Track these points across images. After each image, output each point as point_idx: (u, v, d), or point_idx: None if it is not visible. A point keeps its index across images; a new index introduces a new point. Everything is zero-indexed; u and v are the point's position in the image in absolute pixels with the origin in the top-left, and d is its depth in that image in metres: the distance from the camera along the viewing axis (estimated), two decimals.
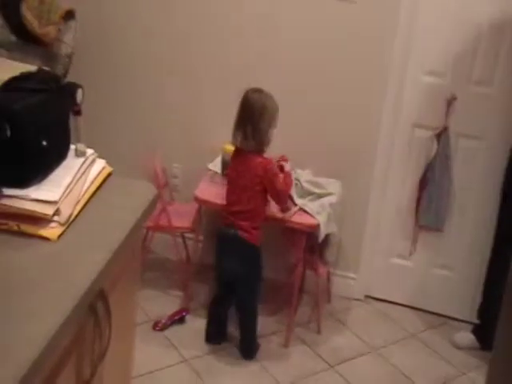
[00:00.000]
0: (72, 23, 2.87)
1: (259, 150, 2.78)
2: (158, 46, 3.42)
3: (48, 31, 2.72)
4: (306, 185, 3.14)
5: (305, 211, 3.00)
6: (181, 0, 3.36)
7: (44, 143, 1.39)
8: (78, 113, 2.60)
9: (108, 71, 3.48)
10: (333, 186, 3.22)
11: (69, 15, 2.87)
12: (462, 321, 3.44)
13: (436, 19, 3.17)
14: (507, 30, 3.11)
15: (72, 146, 1.60)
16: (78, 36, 2.98)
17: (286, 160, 3.03)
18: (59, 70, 2.71)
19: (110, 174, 1.66)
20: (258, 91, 2.76)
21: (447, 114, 3.24)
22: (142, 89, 3.50)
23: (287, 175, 2.90)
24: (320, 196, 3.10)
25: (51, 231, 1.38)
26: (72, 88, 1.95)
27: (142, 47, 3.44)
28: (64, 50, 2.84)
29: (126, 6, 3.40)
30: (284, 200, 2.88)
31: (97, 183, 1.59)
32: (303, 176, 3.22)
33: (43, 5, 2.74)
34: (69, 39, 2.85)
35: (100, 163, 1.64)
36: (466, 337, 3.28)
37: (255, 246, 2.82)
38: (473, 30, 3.14)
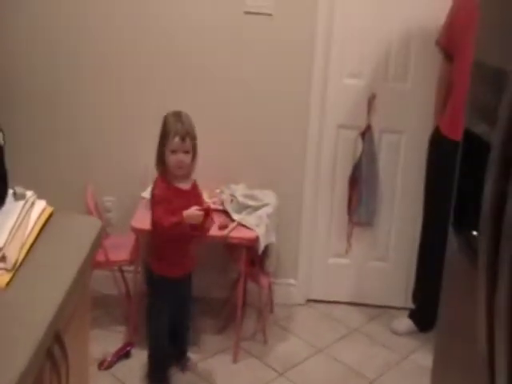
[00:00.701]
0: None
1: (158, 170, 2.71)
2: (79, 75, 3.38)
3: None
4: (241, 199, 3.19)
5: (243, 225, 3.04)
6: (95, 33, 3.33)
7: None
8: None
9: (27, 111, 3.40)
10: (267, 196, 3.29)
11: None
12: (400, 308, 3.59)
13: (351, 28, 3.33)
14: (415, 33, 3.30)
15: (10, 191, 1.58)
16: None
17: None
18: None
19: (51, 214, 1.64)
20: (173, 113, 2.67)
21: (369, 112, 3.40)
22: (60, 126, 3.44)
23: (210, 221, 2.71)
24: (256, 208, 3.16)
25: None
26: None
27: (65, 78, 3.38)
28: None
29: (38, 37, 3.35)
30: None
31: (40, 224, 1.57)
32: (238, 190, 3.27)
33: None
34: None
35: (40, 204, 1.62)
36: (404, 322, 3.44)
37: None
38: (385, 34, 3.32)
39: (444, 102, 3.13)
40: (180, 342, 2.99)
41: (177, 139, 2.60)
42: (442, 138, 3.05)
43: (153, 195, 2.70)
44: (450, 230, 1.90)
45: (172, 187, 2.68)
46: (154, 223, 2.68)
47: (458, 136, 1.89)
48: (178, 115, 2.66)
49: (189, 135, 2.62)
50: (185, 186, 2.72)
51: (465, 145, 1.85)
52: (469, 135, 1.81)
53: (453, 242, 1.88)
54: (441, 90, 3.18)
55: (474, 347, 1.52)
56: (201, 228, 2.65)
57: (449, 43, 3.07)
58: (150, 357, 2.88)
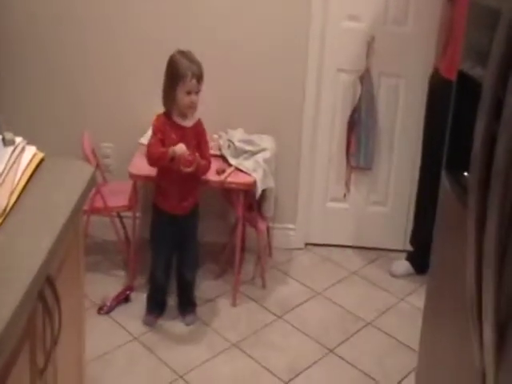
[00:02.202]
0: None
1: (165, 107, 2.77)
2: (75, 24, 3.32)
3: None
4: (238, 144, 3.17)
5: (240, 170, 3.04)
6: None
7: None
8: None
9: (22, 57, 3.36)
10: (265, 141, 3.28)
11: None
12: (398, 251, 3.63)
13: None
14: None
15: None
16: None
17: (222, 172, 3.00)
18: None
19: (42, 160, 1.64)
20: (182, 53, 2.71)
21: (368, 55, 3.36)
22: (62, 70, 3.40)
23: (203, 164, 2.81)
24: (254, 153, 3.15)
25: None
26: None
27: (61, 28, 3.33)
28: None
29: None
30: (148, 159, 2.76)
31: (30, 170, 1.57)
32: (236, 135, 3.25)
33: None
34: None
35: (30, 150, 1.62)
36: (402, 264, 3.48)
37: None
38: None
39: (445, 43, 3.08)
40: (185, 291, 3.03)
41: (194, 81, 2.67)
42: (442, 79, 3.01)
43: (152, 126, 2.79)
44: (443, 171, 1.90)
45: (171, 122, 2.76)
46: (147, 151, 2.77)
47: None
48: (189, 56, 2.71)
49: (202, 77, 2.70)
50: (187, 123, 2.78)
51: (459, 87, 1.83)
52: (463, 77, 1.78)
53: (445, 183, 1.89)
54: (442, 31, 3.12)
55: (463, 286, 1.53)
56: (180, 164, 2.70)
57: None
58: (150, 283, 3.00)
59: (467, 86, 1.74)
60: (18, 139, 1.59)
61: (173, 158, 2.69)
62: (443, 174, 1.89)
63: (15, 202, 1.45)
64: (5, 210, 1.40)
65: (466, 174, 1.72)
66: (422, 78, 3.29)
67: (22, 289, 1.19)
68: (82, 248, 1.77)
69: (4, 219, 1.39)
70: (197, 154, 2.76)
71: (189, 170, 2.72)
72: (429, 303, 2.05)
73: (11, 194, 1.44)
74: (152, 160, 2.75)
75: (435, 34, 3.18)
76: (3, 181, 1.44)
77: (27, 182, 1.54)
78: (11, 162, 1.51)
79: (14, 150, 1.54)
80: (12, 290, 1.18)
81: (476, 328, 1.48)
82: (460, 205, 1.68)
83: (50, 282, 1.39)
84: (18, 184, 1.49)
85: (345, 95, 3.47)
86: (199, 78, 2.68)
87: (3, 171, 1.45)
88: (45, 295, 1.37)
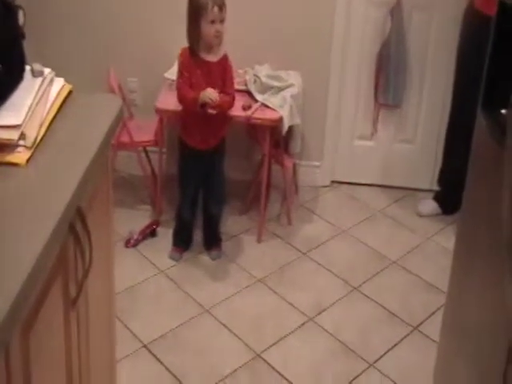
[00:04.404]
0: None
1: (190, 44, 2.73)
2: None
3: None
4: (265, 79, 3.11)
5: (267, 106, 3.00)
6: None
7: None
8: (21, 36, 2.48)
9: None
10: (293, 77, 3.21)
11: None
12: (425, 190, 3.58)
13: None
14: None
15: (27, 67, 1.54)
16: None
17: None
18: None
19: (70, 92, 1.62)
20: None
21: None
22: (88, 4, 3.35)
23: (227, 101, 2.78)
24: (281, 89, 3.09)
25: (19, 156, 1.35)
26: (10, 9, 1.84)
27: None
28: None
29: None
30: (178, 101, 2.77)
31: (58, 102, 1.54)
32: (262, 71, 3.19)
33: None
34: None
35: (59, 82, 1.59)
36: (428, 204, 3.45)
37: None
38: None
39: None
40: (211, 226, 3.05)
41: (216, 9, 2.62)
42: (476, 12, 2.90)
43: (178, 62, 2.78)
44: (479, 109, 1.84)
45: (196, 57, 2.72)
46: (176, 88, 2.77)
47: (493, 10, 1.78)
48: None
49: (224, 4, 2.66)
50: (212, 57, 2.74)
51: (499, 19, 1.75)
52: (504, 8, 1.70)
53: (481, 122, 1.83)
54: None
55: (497, 227, 1.51)
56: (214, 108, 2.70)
57: None
58: (176, 218, 3.03)
59: (507, 17, 1.66)
60: (47, 70, 1.57)
61: (203, 104, 2.67)
62: (479, 111, 1.83)
63: (44, 135, 1.44)
64: (34, 142, 1.39)
65: (503, 111, 1.66)
66: (454, 12, 3.16)
67: (53, 221, 1.19)
68: (110, 182, 1.77)
69: (34, 151, 1.38)
70: (221, 95, 2.71)
71: (214, 112, 2.71)
72: (460, 243, 2.03)
73: (40, 126, 1.43)
74: (182, 103, 2.77)
75: None
76: (33, 112, 1.42)
77: (56, 114, 1.52)
78: (40, 93, 1.48)
79: (42, 82, 1.52)
80: (43, 221, 1.19)
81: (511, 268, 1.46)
82: (497, 144, 1.63)
83: (80, 214, 1.39)
84: (47, 116, 1.48)
85: (374, 29, 3.37)
86: (221, 5, 2.64)
87: (32, 103, 1.43)
88: (76, 228, 1.37)
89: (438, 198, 3.44)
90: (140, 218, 3.23)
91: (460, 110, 3.16)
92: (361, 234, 3.27)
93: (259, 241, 3.17)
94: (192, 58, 2.72)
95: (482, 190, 1.82)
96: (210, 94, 2.66)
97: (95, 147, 1.45)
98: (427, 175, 3.59)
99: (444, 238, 3.20)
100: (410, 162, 3.61)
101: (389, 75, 3.38)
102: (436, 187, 3.49)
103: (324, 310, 2.74)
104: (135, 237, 3.07)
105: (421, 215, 3.43)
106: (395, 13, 3.28)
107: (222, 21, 2.66)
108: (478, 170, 1.89)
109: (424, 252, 3.16)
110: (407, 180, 3.64)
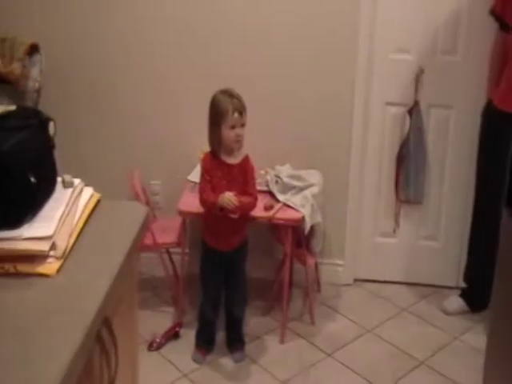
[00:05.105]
0: (37, 57, 2.86)
1: (211, 148, 2.81)
2: (124, 62, 3.41)
3: (13, 69, 2.71)
4: (286, 180, 3.18)
5: (288, 206, 3.04)
6: (146, 12, 3.34)
7: (32, 180, 1.39)
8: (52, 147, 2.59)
9: (75, 99, 3.46)
10: (313, 176, 3.27)
11: (33, 49, 2.86)
12: (451, 287, 3.53)
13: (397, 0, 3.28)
14: (465, 3, 3.21)
15: (58, 179, 1.60)
16: (44, 69, 2.97)
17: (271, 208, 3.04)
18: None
19: (98, 201, 1.67)
20: (223, 92, 2.74)
21: (417, 88, 3.33)
22: (105, 111, 3.49)
23: (249, 202, 2.82)
24: (302, 188, 3.14)
25: (49, 267, 1.37)
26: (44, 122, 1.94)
27: (109, 69, 3.42)
28: (31, 85, 2.83)
29: (85, 29, 3.40)
30: (200, 204, 2.82)
31: (87, 211, 1.59)
32: (283, 171, 3.26)
33: (5, 42, 2.72)
34: (35, 74, 2.83)
35: (88, 191, 1.64)
36: (455, 301, 3.39)
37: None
38: (433, 5, 3.24)
39: (498, 73, 3.03)
40: (234, 328, 3.02)
41: (236, 114, 2.69)
42: (496, 110, 2.97)
43: (200, 166, 2.88)
44: (505, 208, 1.85)
45: (217, 159, 2.79)
46: (199, 192, 2.83)
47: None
48: (229, 92, 2.74)
49: (244, 109, 2.73)
50: (233, 160, 2.80)
51: None
52: None
53: (507, 220, 1.84)
54: (495, 60, 3.07)
55: None
56: (231, 213, 2.74)
57: (504, 10, 2.94)
58: (199, 320, 3.02)
59: None
60: (77, 181, 1.62)
61: (222, 208, 2.72)
62: (505, 211, 1.84)
63: (74, 244, 1.48)
64: (64, 252, 1.42)
65: None
66: (473, 109, 3.24)
67: (81, 331, 1.20)
68: (136, 287, 1.79)
69: (64, 261, 1.41)
70: (241, 199, 2.76)
71: (235, 216, 2.75)
72: (491, 344, 1.99)
73: (70, 236, 1.46)
74: (204, 207, 2.82)
75: (486, 63, 3.13)
76: (63, 223, 1.46)
77: (85, 223, 1.56)
78: (70, 204, 1.53)
79: (72, 192, 1.57)
80: (71, 333, 1.19)
81: None
82: None
83: (107, 322, 1.40)
84: (76, 226, 1.52)
85: (393, 129, 3.45)
86: (241, 110, 2.71)
87: (63, 213, 1.48)
88: (102, 336, 1.37)
89: (465, 295, 3.38)
90: (163, 320, 3.21)
91: (484, 208, 3.15)
92: (386, 332, 3.21)
93: (282, 341, 3.12)
94: (213, 160, 2.79)
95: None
96: (228, 198, 2.70)
97: (122, 255, 1.47)
98: (453, 272, 3.55)
99: (473, 337, 3.12)
100: (434, 258, 3.58)
101: (409, 172, 3.42)
102: (462, 284, 3.43)
103: None
104: (158, 340, 3.04)
105: (447, 313, 3.36)
106: (413, 112, 3.36)
107: (242, 125, 2.73)
108: (505, 267, 1.88)
109: (452, 352, 3.07)
110: (432, 277, 3.60)
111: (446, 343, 3.14)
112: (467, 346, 3.10)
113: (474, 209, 3.25)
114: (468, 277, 3.38)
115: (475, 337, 3.11)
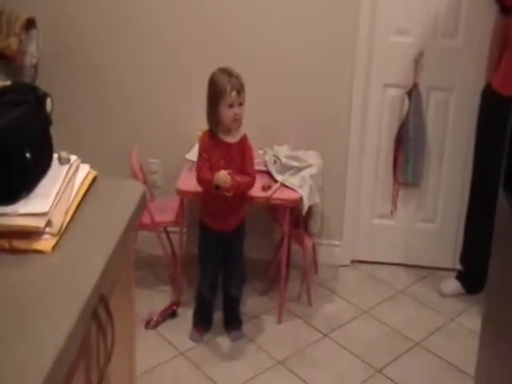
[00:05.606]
0: (34, 32, 2.82)
1: (209, 127, 2.80)
2: (125, 42, 3.39)
3: (9, 44, 2.68)
4: (285, 160, 3.17)
5: (286, 186, 3.03)
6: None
7: (28, 156, 1.38)
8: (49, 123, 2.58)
9: (74, 75, 3.43)
10: (312, 157, 3.26)
11: (30, 24, 2.82)
12: (447, 269, 3.54)
13: None
14: None
15: (55, 155, 1.59)
16: (42, 44, 2.94)
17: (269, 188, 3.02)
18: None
19: (95, 178, 1.66)
20: (221, 70, 2.73)
21: (416, 70, 3.31)
22: (104, 89, 3.46)
23: (247, 181, 2.81)
24: (300, 169, 3.13)
25: (45, 243, 1.37)
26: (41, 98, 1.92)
27: (108, 45, 3.39)
28: (29, 60, 2.80)
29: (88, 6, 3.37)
30: (197, 182, 2.82)
31: (84, 188, 1.58)
32: (282, 152, 3.25)
33: (1, 16, 2.69)
34: (33, 49, 2.80)
35: (84, 168, 1.63)
36: (451, 283, 3.40)
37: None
38: None
39: (498, 56, 3.01)
40: (231, 308, 3.03)
41: (234, 93, 2.68)
42: (495, 93, 2.95)
43: (199, 144, 2.87)
44: (501, 191, 1.84)
45: (215, 138, 2.78)
46: (196, 170, 2.82)
47: (511, 91, 1.82)
48: (227, 71, 2.73)
49: (243, 88, 2.71)
50: (231, 139, 2.79)
51: None
52: None
53: (503, 202, 1.83)
54: (495, 44, 3.05)
55: None
56: (226, 191, 2.73)
57: None
58: (196, 299, 3.02)
59: None
60: (73, 158, 1.61)
61: (218, 186, 2.71)
62: (501, 192, 1.84)
63: (70, 221, 1.47)
64: (60, 229, 1.41)
65: None
66: (472, 92, 3.22)
67: (78, 309, 1.20)
68: (132, 265, 1.78)
69: (60, 238, 1.40)
70: (237, 178, 2.75)
71: (229, 194, 2.73)
72: (486, 326, 1.99)
73: (66, 213, 1.46)
74: (201, 185, 2.82)
75: (486, 46, 3.11)
76: (59, 200, 1.46)
77: (81, 200, 1.55)
78: (66, 180, 1.52)
79: (69, 169, 1.56)
80: (67, 310, 1.19)
81: None
82: None
83: (103, 300, 1.40)
84: (72, 203, 1.51)
85: (392, 110, 3.43)
86: (239, 89, 2.70)
87: (59, 190, 1.47)
88: (98, 313, 1.37)
89: (461, 277, 3.40)
90: (160, 299, 3.22)
91: (481, 190, 3.15)
92: (383, 314, 3.23)
93: (279, 322, 3.13)
94: (212, 139, 2.78)
95: (508, 270, 1.80)
96: (222, 177, 2.69)
97: (119, 233, 1.47)
98: (449, 254, 3.57)
99: (469, 319, 3.14)
100: (431, 240, 3.59)
101: (407, 155, 3.42)
102: (458, 266, 3.45)
103: None
104: (155, 318, 3.05)
105: (443, 295, 3.38)
106: (413, 94, 3.34)
107: (240, 104, 2.72)
108: (501, 250, 1.88)
109: (449, 333, 3.09)
110: (429, 259, 3.61)
111: (441, 325, 3.15)
112: (463, 328, 3.11)
113: (470, 191, 3.26)
114: (464, 259, 3.39)
115: (471, 319, 3.12)
